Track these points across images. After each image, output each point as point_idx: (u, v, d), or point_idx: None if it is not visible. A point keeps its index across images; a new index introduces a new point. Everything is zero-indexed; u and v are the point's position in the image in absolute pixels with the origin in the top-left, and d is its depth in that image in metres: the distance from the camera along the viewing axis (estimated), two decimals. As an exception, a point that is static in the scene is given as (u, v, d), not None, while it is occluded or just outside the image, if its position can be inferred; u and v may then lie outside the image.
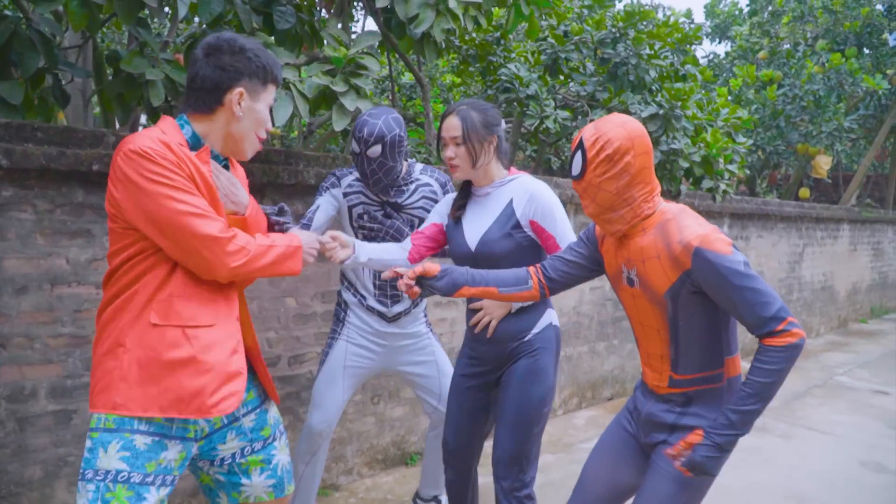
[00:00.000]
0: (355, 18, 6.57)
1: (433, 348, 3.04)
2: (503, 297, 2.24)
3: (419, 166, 2.91)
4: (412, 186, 2.85)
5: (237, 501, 2.10)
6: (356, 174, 2.85)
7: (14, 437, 2.59)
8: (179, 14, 2.36)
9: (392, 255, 2.62)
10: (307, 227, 2.76)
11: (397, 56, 5.42)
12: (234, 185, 2.02)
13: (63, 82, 3.09)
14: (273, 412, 2.18)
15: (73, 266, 2.67)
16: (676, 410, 2.03)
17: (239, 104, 1.90)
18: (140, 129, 5.18)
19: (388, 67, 5.37)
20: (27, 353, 2.60)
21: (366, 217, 2.82)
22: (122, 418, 1.78)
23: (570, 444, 4.61)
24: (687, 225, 1.86)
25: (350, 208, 2.85)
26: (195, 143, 1.91)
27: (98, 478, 1.76)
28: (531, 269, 2.27)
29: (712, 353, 1.98)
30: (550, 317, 2.61)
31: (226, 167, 2.06)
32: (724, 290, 1.81)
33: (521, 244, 2.50)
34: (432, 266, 2.21)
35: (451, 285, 2.19)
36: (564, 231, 2.49)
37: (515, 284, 2.23)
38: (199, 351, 1.84)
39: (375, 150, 2.64)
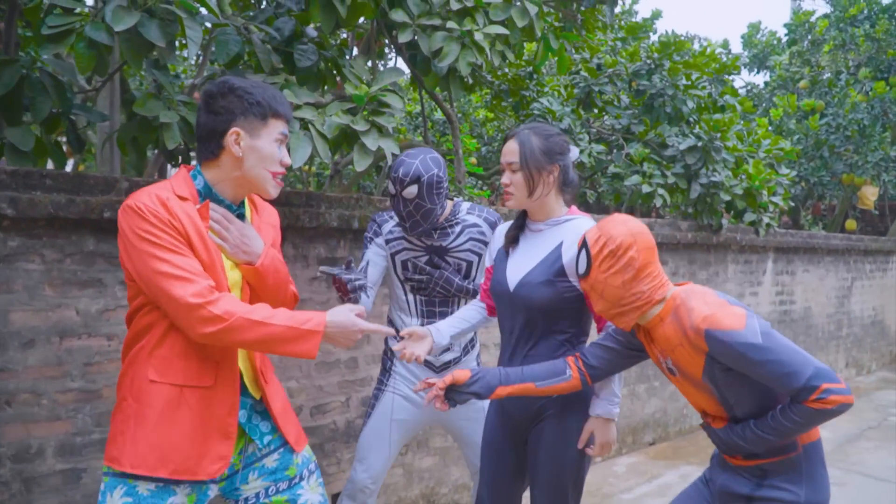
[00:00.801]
0: (388, 56, 6.52)
1: (483, 403, 2.83)
2: (543, 392, 2.20)
3: (466, 205, 2.74)
4: (458, 228, 2.67)
5: None
6: (396, 218, 2.70)
7: (20, 499, 2.46)
8: (190, 54, 2.25)
9: (471, 320, 2.55)
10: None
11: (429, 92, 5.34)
12: (246, 236, 1.97)
13: (79, 127, 3.01)
14: (303, 452, 2.13)
15: (83, 317, 2.56)
16: (753, 482, 1.98)
17: (238, 144, 1.88)
18: (167, 172, 5.15)
19: (420, 104, 5.30)
20: (34, 409, 2.48)
21: (410, 268, 2.67)
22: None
23: (610, 494, 4.37)
24: (693, 308, 1.89)
25: (393, 256, 2.70)
26: (208, 193, 1.91)
27: None
28: (570, 358, 2.23)
29: None
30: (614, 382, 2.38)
31: (241, 216, 2.01)
32: (746, 366, 1.81)
33: (562, 295, 2.28)
34: (461, 373, 2.19)
35: (486, 389, 2.18)
36: None
37: (553, 377, 2.19)
38: (195, 411, 1.84)
39: (411, 190, 2.50)
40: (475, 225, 2.69)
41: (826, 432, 5.95)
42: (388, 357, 2.83)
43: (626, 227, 1.98)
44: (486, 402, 2.79)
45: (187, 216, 1.81)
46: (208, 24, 2.64)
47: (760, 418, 1.89)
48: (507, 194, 2.35)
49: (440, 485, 3.89)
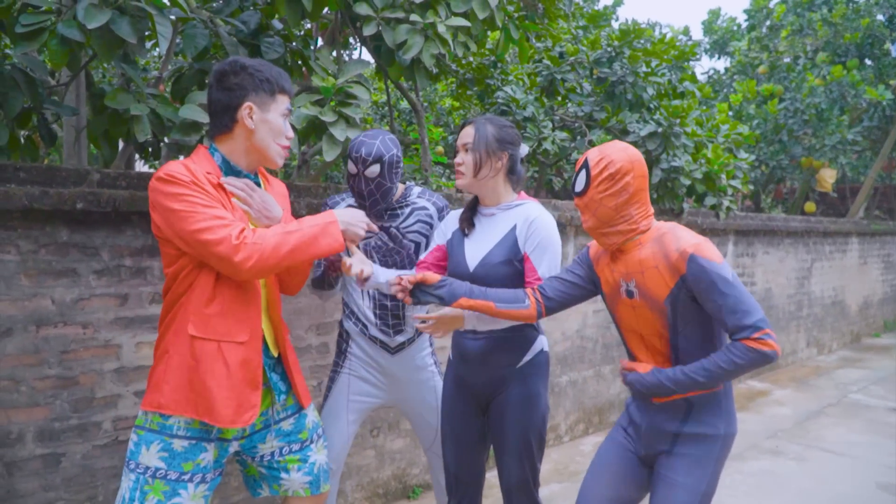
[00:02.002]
0: (352, 46, 6.57)
1: (435, 384, 2.95)
2: (500, 314, 2.33)
3: (417, 189, 2.85)
4: (407, 210, 2.78)
5: (277, 493, 2.33)
6: (349, 199, 2.81)
7: (2, 482, 2.53)
8: (161, 49, 2.32)
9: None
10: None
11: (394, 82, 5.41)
12: (266, 202, 2.18)
13: (50, 121, 3.05)
14: (311, 417, 2.39)
15: (58, 307, 2.62)
16: (679, 418, 2.13)
17: (250, 118, 2.07)
18: (135, 165, 5.17)
19: (386, 93, 5.35)
20: (13, 396, 2.54)
21: (361, 247, 2.77)
22: (164, 423, 2.02)
23: (577, 471, 4.51)
24: (682, 236, 2.04)
25: None
26: (226, 168, 2.11)
27: (139, 470, 2.01)
28: (528, 289, 2.37)
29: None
30: (542, 343, 2.57)
31: (257, 185, 2.21)
32: (712, 294, 1.96)
33: (520, 273, 2.46)
34: (432, 275, 2.34)
35: (450, 295, 2.31)
36: (543, 266, 2.44)
37: (514, 302, 2.33)
38: (230, 365, 2.03)
39: (374, 169, 2.59)
40: (424, 208, 2.79)
41: (787, 409, 6.16)
42: (343, 339, 2.92)
43: (626, 153, 2.11)
44: (438, 384, 2.92)
45: (210, 183, 2.00)
46: (172, 17, 2.70)
47: (690, 364, 2.03)
48: (458, 173, 2.52)
49: (411, 465, 4.00)
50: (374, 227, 2.34)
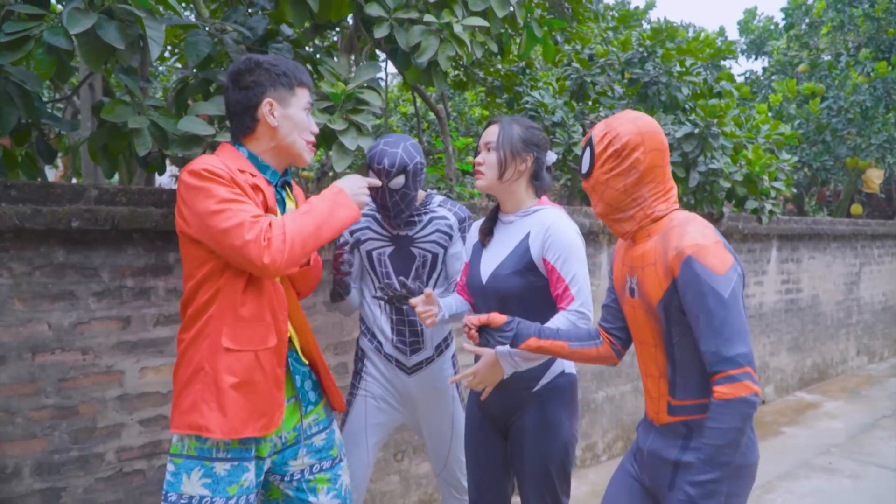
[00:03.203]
0: (379, 57, 6.44)
1: (454, 411, 2.74)
2: (573, 354, 2.08)
3: (438, 198, 2.69)
4: (426, 218, 2.62)
5: None
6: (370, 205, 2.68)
7: (-3, 521, 2.39)
8: (153, 55, 2.17)
9: (460, 307, 2.50)
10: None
11: (416, 89, 5.24)
12: None
13: (48, 137, 2.93)
14: (338, 433, 2.27)
15: (55, 332, 2.48)
16: (678, 444, 1.83)
17: (272, 114, 1.99)
18: (157, 183, 5.07)
19: (413, 104, 5.22)
20: (8, 428, 2.40)
21: (375, 259, 2.63)
22: (203, 447, 1.90)
23: (616, 493, 4.26)
24: (688, 232, 1.73)
25: (359, 244, 2.66)
26: (255, 162, 2.02)
27: (182, 500, 1.89)
28: (599, 327, 2.14)
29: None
30: (563, 364, 2.35)
31: (287, 184, 2.15)
32: (698, 307, 1.67)
33: (533, 284, 2.26)
34: (498, 316, 2.11)
35: (518, 337, 2.08)
36: (577, 277, 2.21)
37: (588, 339, 2.08)
38: (269, 372, 1.96)
39: (399, 181, 2.45)
40: (444, 217, 2.63)
41: (839, 423, 5.83)
42: (358, 358, 2.75)
43: (634, 124, 1.83)
44: (457, 411, 2.74)
45: (243, 184, 1.90)
46: (169, 24, 2.55)
47: (691, 469, 1.70)
48: (477, 173, 2.35)
49: (438, 490, 3.79)
50: (376, 182, 2.21)
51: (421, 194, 2.66)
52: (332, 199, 1.99)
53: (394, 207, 2.50)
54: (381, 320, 2.65)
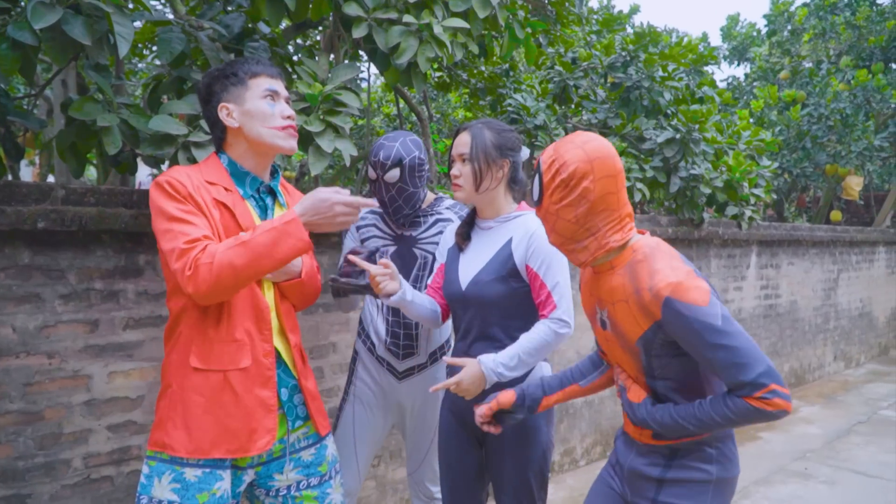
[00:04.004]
0: (363, 58, 6.37)
1: (437, 404, 2.70)
2: (588, 391, 2.06)
3: (448, 202, 2.65)
4: (430, 219, 2.59)
5: None
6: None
7: (-43, 530, 2.32)
8: (121, 52, 2.11)
9: (428, 305, 2.38)
10: None
11: (397, 91, 5.19)
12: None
13: (16, 134, 2.85)
14: (331, 449, 2.18)
15: (20, 335, 2.41)
16: (661, 463, 1.80)
17: (231, 117, 1.96)
18: (138, 183, 4.99)
19: (396, 105, 5.16)
20: (-31, 434, 2.33)
21: (376, 256, 2.57)
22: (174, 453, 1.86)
23: (594, 499, 4.24)
24: (658, 269, 1.65)
25: (362, 242, 2.62)
26: (233, 170, 1.99)
27: None
28: (599, 352, 2.09)
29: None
30: (541, 370, 2.32)
31: (273, 190, 2.07)
32: (698, 346, 1.61)
33: (516, 291, 2.22)
34: (506, 396, 2.02)
35: (533, 404, 2.02)
36: (559, 285, 2.18)
37: (593, 370, 2.05)
38: (238, 392, 1.89)
39: (393, 174, 2.41)
40: (449, 220, 2.59)
41: (815, 428, 5.85)
42: (353, 360, 2.71)
43: (583, 150, 1.69)
44: (439, 404, 2.67)
45: (206, 198, 1.87)
46: (139, 23, 2.49)
47: (683, 405, 1.70)
48: (455, 186, 2.29)
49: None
50: (369, 202, 1.91)
51: (430, 196, 2.63)
52: (278, 230, 1.80)
53: (391, 203, 2.47)
54: (378, 321, 2.61)
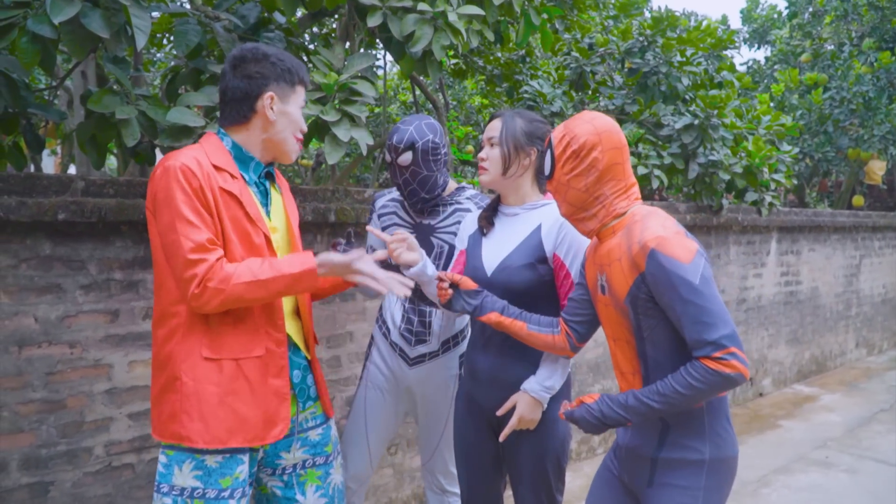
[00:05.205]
0: (379, 46, 6.36)
1: (450, 411, 2.68)
2: (530, 337, 2.11)
3: (470, 192, 2.64)
4: (450, 209, 2.58)
5: None
6: (393, 193, 2.66)
7: (-16, 516, 2.37)
8: (139, 45, 2.12)
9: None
10: None
11: (412, 79, 5.19)
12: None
13: (37, 126, 2.89)
14: (334, 431, 2.23)
15: (42, 325, 2.44)
16: (654, 441, 1.84)
17: (271, 108, 1.96)
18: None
19: (412, 93, 5.17)
20: (-6, 422, 2.37)
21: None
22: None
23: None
24: (649, 226, 1.76)
25: (384, 230, 2.62)
26: (238, 154, 1.98)
27: (175, 493, 1.88)
28: (560, 318, 2.14)
29: None
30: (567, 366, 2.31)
31: (270, 175, 2.09)
32: (670, 299, 1.70)
33: (543, 278, 2.22)
34: (470, 282, 2.18)
35: (481, 307, 2.14)
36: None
37: (547, 326, 2.11)
38: (252, 381, 1.91)
39: (406, 157, 2.42)
40: (468, 210, 2.58)
41: (836, 416, 5.81)
42: (370, 345, 2.73)
43: (591, 124, 1.86)
44: (451, 395, 2.68)
45: (214, 188, 1.86)
46: (156, 15, 2.51)
47: (645, 388, 1.76)
48: (481, 169, 2.32)
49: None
50: (404, 288, 1.98)
51: (452, 185, 2.64)
52: (294, 278, 1.87)
53: (405, 185, 2.47)
54: (395, 306, 2.63)
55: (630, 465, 1.91)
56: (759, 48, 13.78)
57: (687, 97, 5.34)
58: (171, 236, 1.80)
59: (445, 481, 2.75)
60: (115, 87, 2.60)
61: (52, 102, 3.31)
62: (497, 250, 2.29)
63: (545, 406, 2.20)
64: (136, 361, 2.65)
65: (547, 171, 1.94)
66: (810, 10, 11.95)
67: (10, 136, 2.75)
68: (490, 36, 3.18)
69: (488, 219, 2.37)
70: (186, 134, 2.54)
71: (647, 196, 8.60)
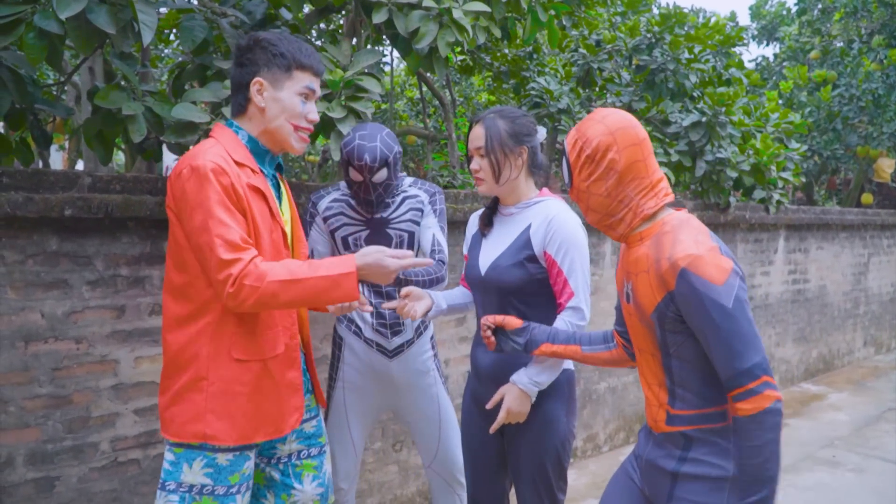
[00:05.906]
0: (385, 42, 6.36)
1: (437, 392, 2.72)
2: (590, 358, 2.06)
3: (409, 179, 2.67)
4: (398, 199, 2.60)
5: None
6: (333, 194, 2.63)
7: (-10, 510, 2.38)
8: (145, 41, 2.12)
9: (463, 298, 2.51)
10: None
11: (419, 75, 5.18)
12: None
13: (45, 122, 2.89)
14: (324, 423, 2.30)
15: (49, 321, 2.45)
16: (676, 455, 1.75)
17: (260, 94, 1.92)
18: (164, 168, 5.03)
19: (419, 89, 5.15)
20: (0, 417, 2.38)
21: (352, 244, 2.59)
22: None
23: (617, 484, 4.24)
24: (681, 240, 1.64)
25: (333, 233, 2.61)
26: (254, 147, 1.97)
27: (182, 490, 1.89)
28: (614, 331, 2.09)
29: (712, 387, 1.70)
30: (561, 361, 2.30)
31: (280, 167, 2.11)
32: (700, 323, 1.60)
33: (533, 277, 2.22)
34: (514, 319, 2.13)
35: (531, 343, 2.10)
36: (576, 272, 2.18)
37: (602, 343, 2.06)
38: (278, 378, 1.97)
39: (382, 174, 2.43)
40: (415, 196, 2.61)
41: (844, 415, 5.79)
42: (336, 346, 2.72)
43: (603, 124, 1.75)
44: (440, 391, 2.73)
45: (237, 185, 1.84)
46: (163, 11, 2.51)
47: (739, 493, 1.60)
48: (477, 180, 2.30)
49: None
50: (424, 261, 2.02)
51: None
52: (333, 280, 1.84)
53: (377, 200, 2.49)
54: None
55: (650, 478, 1.84)
56: (767, 45, 13.71)
57: (695, 94, 5.32)
58: (204, 237, 1.78)
59: (451, 476, 2.77)
60: (122, 82, 2.60)
61: (60, 98, 3.32)
62: (492, 250, 2.31)
63: (533, 399, 2.19)
64: (142, 357, 2.66)
65: (566, 180, 1.85)
66: (819, 6, 11.87)
67: (18, 132, 2.76)
68: (497, 32, 3.17)
69: (487, 220, 2.38)
70: (191, 130, 2.55)
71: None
